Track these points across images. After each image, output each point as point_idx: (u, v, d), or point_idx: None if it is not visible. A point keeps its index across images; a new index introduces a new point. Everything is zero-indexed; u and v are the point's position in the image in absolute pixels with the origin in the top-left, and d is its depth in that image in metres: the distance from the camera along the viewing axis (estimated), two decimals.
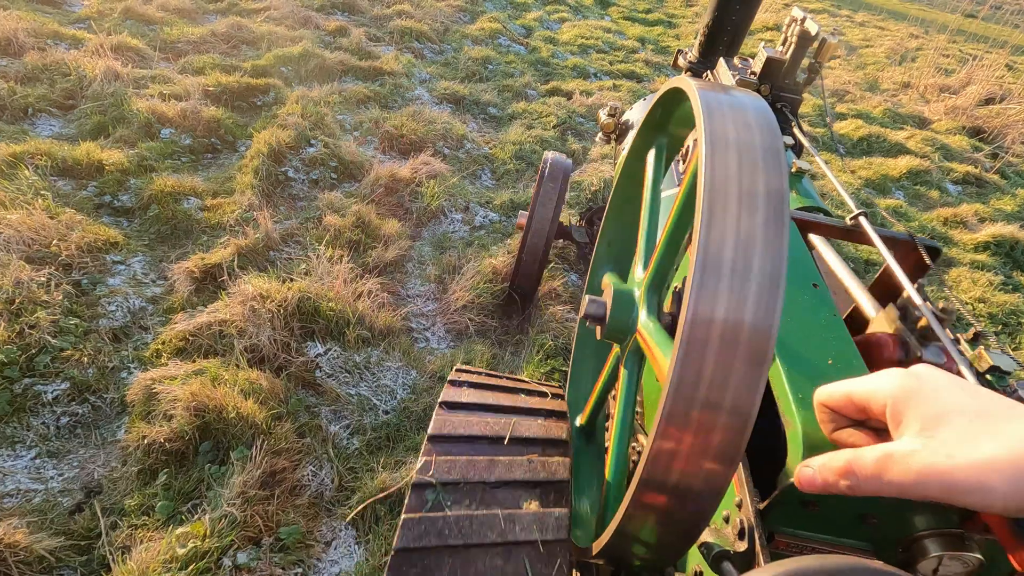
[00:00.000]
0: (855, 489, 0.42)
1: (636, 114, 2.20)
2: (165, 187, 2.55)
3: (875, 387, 0.45)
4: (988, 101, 6.63)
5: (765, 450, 0.68)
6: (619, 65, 5.70)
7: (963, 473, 0.37)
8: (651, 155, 0.89)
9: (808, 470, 0.45)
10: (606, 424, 1.00)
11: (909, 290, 0.77)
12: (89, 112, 3.06)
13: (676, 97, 0.78)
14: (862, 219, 0.95)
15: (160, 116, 3.06)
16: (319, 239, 2.44)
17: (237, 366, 1.80)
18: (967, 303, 3.11)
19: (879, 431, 0.47)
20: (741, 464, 0.63)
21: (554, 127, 4.12)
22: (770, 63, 1.42)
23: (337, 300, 2.06)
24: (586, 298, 0.73)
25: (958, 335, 0.78)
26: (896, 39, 10.98)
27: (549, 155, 2.08)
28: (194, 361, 1.82)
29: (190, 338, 1.89)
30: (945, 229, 3.88)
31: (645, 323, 0.68)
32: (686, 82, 0.60)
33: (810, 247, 0.99)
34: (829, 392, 0.49)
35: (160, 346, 1.90)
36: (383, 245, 2.51)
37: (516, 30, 6.32)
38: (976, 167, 4.89)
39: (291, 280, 2.13)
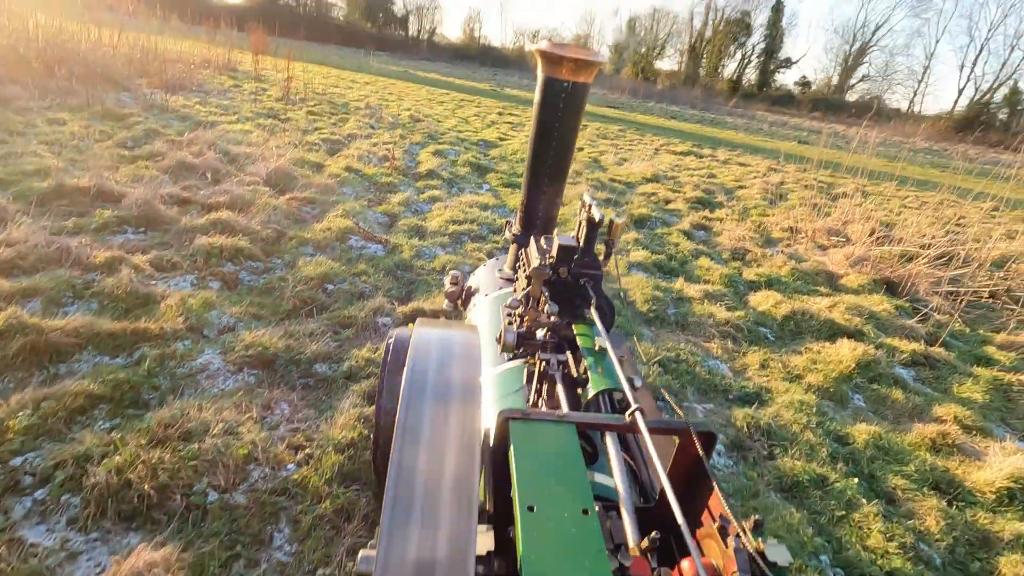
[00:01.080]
0: None
1: (481, 278, 2.27)
2: None
3: None
4: (880, 241, 6.48)
5: None
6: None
7: None
8: None
9: None
10: None
11: (665, 484, 0.79)
12: None
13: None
14: (637, 415, 0.94)
15: None
16: None
17: None
18: None
19: None
20: None
21: None
22: (562, 249, 1.53)
23: None
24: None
25: (742, 524, 0.81)
26: (758, 173, 11.63)
27: (393, 333, 1.89)
28: None
29: None
30: (943, 463, 2.94)
31: None
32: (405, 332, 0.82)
33: (603, 437, 1.04)
34: None
35: None
36: None
37: (376, 220, 5.36)
38: (919, 343, 4.26)
39: None
